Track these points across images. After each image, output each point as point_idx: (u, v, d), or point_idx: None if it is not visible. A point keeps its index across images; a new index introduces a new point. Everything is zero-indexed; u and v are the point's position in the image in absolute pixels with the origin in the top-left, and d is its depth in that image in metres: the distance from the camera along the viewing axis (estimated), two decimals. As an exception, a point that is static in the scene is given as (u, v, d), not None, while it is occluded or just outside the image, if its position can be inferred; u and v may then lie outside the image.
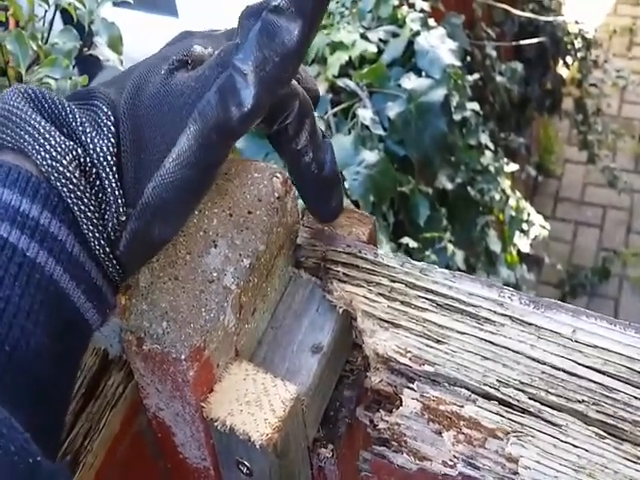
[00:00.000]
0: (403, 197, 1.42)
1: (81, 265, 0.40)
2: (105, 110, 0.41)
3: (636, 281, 3.91)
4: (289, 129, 0.48)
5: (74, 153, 0.39)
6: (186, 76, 0.41)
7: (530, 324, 0.50)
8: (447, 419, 0.49)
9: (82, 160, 0.40)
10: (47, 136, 0.39)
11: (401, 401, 0.51)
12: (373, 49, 1.55)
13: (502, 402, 0.48)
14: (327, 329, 0.55)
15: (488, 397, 0.48)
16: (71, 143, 0.40)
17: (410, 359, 0.51)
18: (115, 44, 0.89)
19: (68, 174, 0.39)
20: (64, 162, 0.39)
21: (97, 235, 0.41)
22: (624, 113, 4.94)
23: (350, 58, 1.56)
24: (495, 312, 0.51)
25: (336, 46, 1.56)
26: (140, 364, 0.49)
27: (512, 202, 1.85)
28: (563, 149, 4.58)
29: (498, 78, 2.72)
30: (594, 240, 4.18)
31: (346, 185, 1.26)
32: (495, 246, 1.90)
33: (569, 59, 3.88)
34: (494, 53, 2.61)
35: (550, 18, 3.39)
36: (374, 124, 1.39)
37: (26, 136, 0.39)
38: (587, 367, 0.48)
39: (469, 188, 1.81)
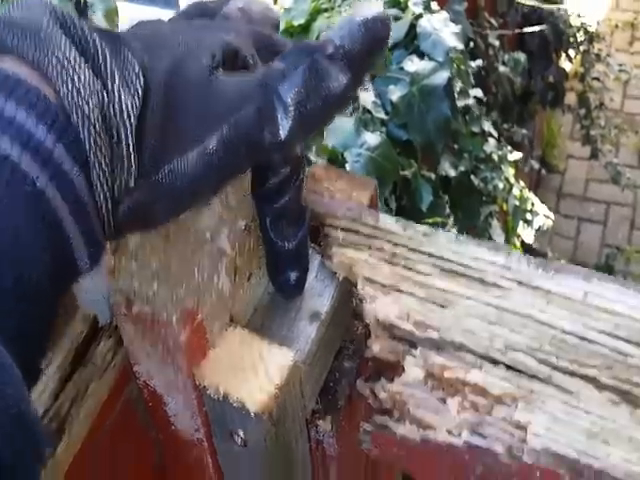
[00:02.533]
0: (405, 182, 1.39)
1: (85, 209, 0.38)
2: (137, 69, 0.39)
3: None
4: (272, 188, 0.48)
5: (100, 97, 0.37)
6: (230, 80, 0.41)
7: (539, 288, 0.48)
8: (452, 386, 0.46)
9: (105, 109, 0.38)
10: (77, 68, 0.37)
11: (403, 369, 0.48)
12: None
13: (510, 367, 0.45)
14: (326, 296, 0.53)
15: (495, 362, 0.46)
16: (100, 85, 0.37)
17: (413, 325, 0.48)
18: (110, 15, 0.87)
19: (92, 118, 0.37)
20: (90, 104, 0.37)
21: (105, 188, 0.39)
22: (627, 108, 4.92)
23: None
24: (502, 276, 0.49)
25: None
26: (130, 327, 0.47)
27: (516, 191, 1.83)
28: (566, 144, 4.56)
29: (501, 68, 2.70)
30: (597, 236, 4.15)
31: (347, 167, 1.23)
32: (498, 237, 1.88)
33: (572, 52, 3.86)
34: (497, 43, 2.58)
35: (553, 6, 3.37)
36: (376, 107, 1.36)
37: (53, 59, 0.36)
38: (599, 331, 0.46)
39: (472, 177, 1.78)
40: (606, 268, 3.78)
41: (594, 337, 0.46)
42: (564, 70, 4.07)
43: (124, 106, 0.38)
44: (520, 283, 0.48)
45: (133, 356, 0.49)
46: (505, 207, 1.87)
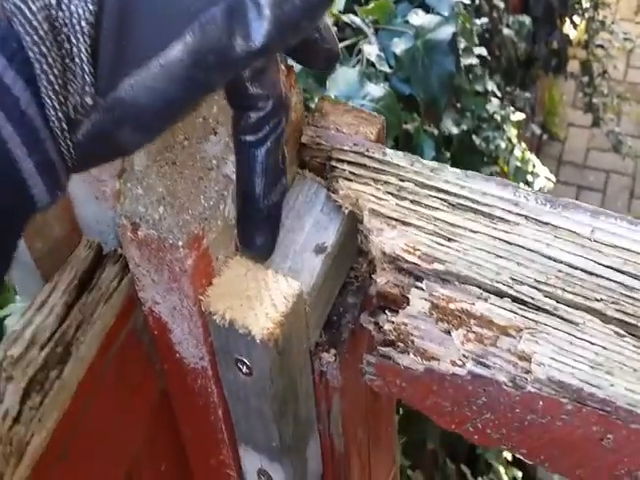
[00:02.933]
0: (408, 136, 1.38)
1: (35, 131, 0.34)
2: None
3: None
4: (251, 126, 0.44)
5: (46, 1, 0.33)
6: None
7: (546, 223, 0.48)
8: (457, 318, 0.46)
9: (53, 14, 0.33)
10: None
11: (408, 301, 0.48)
12: (380, -15, 1.51)
13: (515, 300, 0.45)
14: (332, 229, 0.53)
15: (501, 295, 0.46)
16: None
17: (419, 257, 0.48)
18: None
19: (35, 22, 0.33)
20: (32, 7, 0.32)
21: (56, 105, 0.34)
22: (630, 78, 4.88)
23: (356, -6, 1.52)
24: (510, 211, 0.49)
25: (342, -19, 1.52)
26: (135, 252, 0.47)
27: (517, 152, 1.82)
28: (567, 112, 4.53)
29: (505, 31, 2.67)
30: (596, 205, 4.14)
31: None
32: (498, 198, 1.87)
33: (576, 19, 3.82)
34: (502, 4, 2.55)
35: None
36: (380, 60, 1.35)
37: None
38: (606, 266, 0.46)
39: (474, 136, 1.77)
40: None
41: (601, 272, 0.45)
42: (568, 37, 4.03)
43: (74, 9, 0.34)
44: (527, 218, 0.48)
45: (139, 282, 0.49)
46: (506, 168, 1.86)
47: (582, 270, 0.46)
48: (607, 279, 0.45)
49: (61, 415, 0.47)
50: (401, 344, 0.48)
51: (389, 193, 0.51)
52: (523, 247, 0.47)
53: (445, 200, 0.50)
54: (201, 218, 0.46)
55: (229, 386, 0.51)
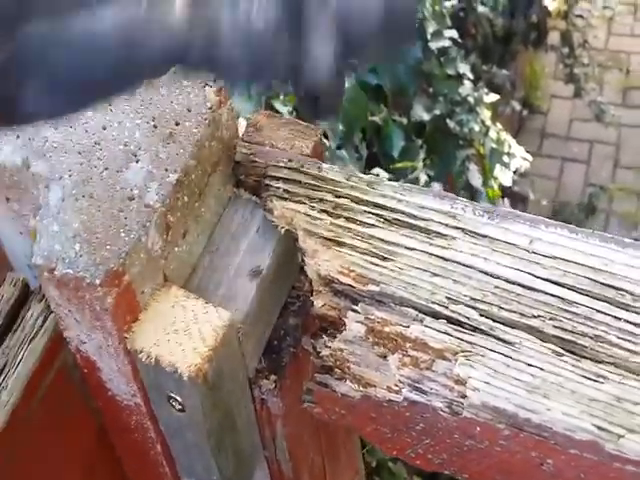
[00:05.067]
0: (376, 128, 1.36)
1: None
2: None
3: (623, 216, 3.88)
4: None
5: None
6: None
7: (484, 236, 0.46)
8: (392, 341, 0.44)
9: None
10: None
11: (345, 325, 0.46)
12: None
13: (451, 320, 0.44)
14: (267, 251, 0.51)
15: (436, 316, 0.44)
16: None
17: (354, 279, 0.46)
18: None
19: None
20: None
21: None
22: (611, 46, 4.84)
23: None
24: (447, 225, 0.47)
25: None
26: (55, 292, 0.45)
27: (492, 134, 1.80)
28: (549, 84, 4.50)
29: (480, 8, 2.64)
30: (580, 176, 4.13)
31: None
32: (476, 180, 1.85)
33: (554, -11, 3.78)
34: (475, -21, 2.52)
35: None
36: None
37: None
38: (545, 279, 0.44)
39: (448, 120, 1.75)
40: (589, 207, 3.77)
41: (539, 285, 0.44)
42: (547, 9, 4.00)
43: None
44: (465, 231, 0.46)
45: (62, 322, 0.47)
46: (482, 150, 1.84)
47: (519, 285, 0.44)
48: (545, 293, 0.43)
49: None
50: (338, 370, 0.46)
51: (324, 211, 0.49)
52: (460, 263, 0.45)
53: (381, 216, 0.48)
54: (121, 253, 0.44)
55: (165, 422, 0.49)
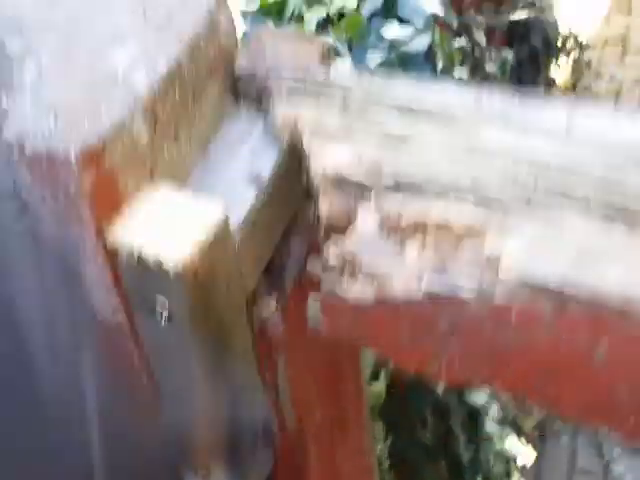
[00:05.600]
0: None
1: None
2: None
3: None
4: None
5: None
6: None
7: (514, 122, 0.41)
8: (410, 230, 0.38)
9: None
10: None
11: (355, 223, 0.40)
12: (352, 4, 1.47)
13: (479, 200, 0.38)
14: (269, 161, 0.46)
15: (462, 197, 0.38)
16: None
17: (366, 170, 0.41)
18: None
19: None
20: None
21: None
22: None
23: (328, 14, 1.48)
24: (469, 114, 0.42)
25: (312, 1, 1.48)
26: (27, 177, 0.39)
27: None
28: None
29: (488, 67, 2.65)
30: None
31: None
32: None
33: (562, 60, 3.83)
34: (484, 40, 2.53)
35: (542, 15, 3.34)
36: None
37: None
38: (584, 159, 0.38)
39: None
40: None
41: (579, 164, 0.38)
42: (554, 80, 4.04)
43: None
44: (491, 119, 0.41)
45: (35, 216, 0.41)
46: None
47: (557, 165, 0.38)
48: (586, 172, 0.38)
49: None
50: (348, 271, 0.40)
51: (332, 111, 0.44)
52: (487, 148, 0.40)
53: (396, 108, 0.43)
54: (101, 132, 0.39)
55: (150, 341, 0.43)
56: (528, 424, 1.70)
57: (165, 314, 0.41)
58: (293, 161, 0.46)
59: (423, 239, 0.38)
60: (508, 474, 1.55)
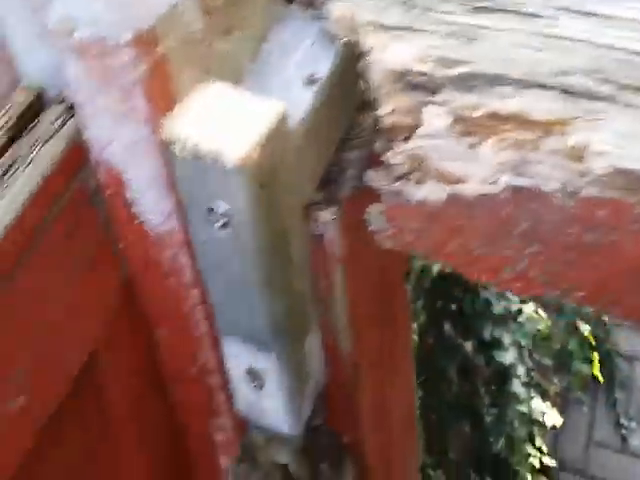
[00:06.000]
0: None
1: None
2: None
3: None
4: None
5: None
6: None
7: (595, 13, 0.38)
8: (485, 126, 0.36)
9: None
10: None
11: (421, 123, 0.38)
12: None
13: (561, 92, 0.35)
14: (324, 61, 0.43)
15: (542, 87, 0.35)
16: None
17: (435, 64, 0.38)
18: None
19: None
20: None
21: None
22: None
23: None
24: (547, 6, 0.39)
25: None
26: (75, 67, 0.37)
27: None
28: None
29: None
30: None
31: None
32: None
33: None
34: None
35: None
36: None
37: None
38: (675, 49, 0.35)
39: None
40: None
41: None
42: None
43: None
44: (569, 10, 0.38)
45: (84, 118, 0.39)
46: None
47: (645, 56, 0.36)
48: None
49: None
50: (416, 174, 0.38)
51: (392, 6, 0.41)
52: (567, 38, 0.37)
53: (465, 5, 0.40)
54: (152, 15, 0.36)
55: (204, 252, 0.41)
56: (552, 390, 1.68)
57: (222, 221, 0.38)
58: (350, 62, 0.43)
59: (500, 135, 0.35)
60: (531, 438, 1.53)
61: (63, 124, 0.40)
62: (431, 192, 0.37)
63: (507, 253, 0.36)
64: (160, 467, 0.53)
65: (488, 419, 1.47)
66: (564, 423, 1.91)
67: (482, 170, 0.35)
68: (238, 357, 0.44)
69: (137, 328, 0.47)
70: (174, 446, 0.53)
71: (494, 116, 0.36)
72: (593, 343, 1.81)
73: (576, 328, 1.81)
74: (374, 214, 0.40)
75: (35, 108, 0.42)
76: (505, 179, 0.35)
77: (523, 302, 1.40)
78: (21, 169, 0.38)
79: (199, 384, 0.47)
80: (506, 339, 1.38)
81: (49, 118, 0.41)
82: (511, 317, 1.39)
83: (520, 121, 0.35)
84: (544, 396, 1.53)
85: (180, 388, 0.49)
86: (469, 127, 0.36)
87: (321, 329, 0.46)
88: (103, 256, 0.44)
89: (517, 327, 1.39)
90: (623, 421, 2.17)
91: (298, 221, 0.42)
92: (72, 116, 0.41)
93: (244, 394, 0.47)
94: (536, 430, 1.57)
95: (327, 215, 0.42)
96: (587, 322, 1.80)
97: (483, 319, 1.37)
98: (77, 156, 0.41)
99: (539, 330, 1.45)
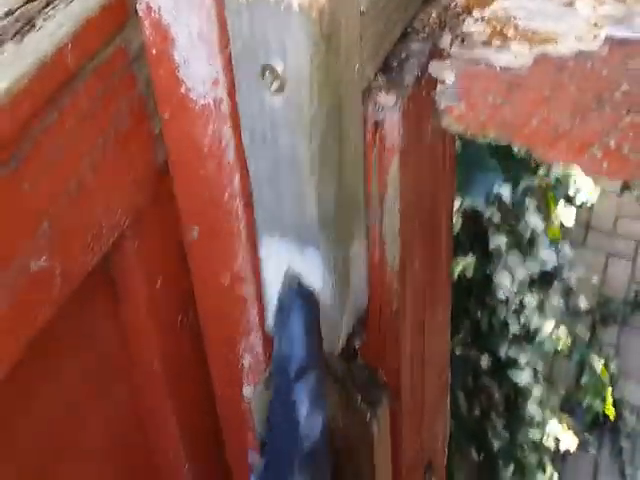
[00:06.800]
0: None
1: None
2: None
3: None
4: None
5: None
6: None
7: None
8: (582, -18, 0.32)
9: None
10: None
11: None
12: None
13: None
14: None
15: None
16: None
17: None
18: None
19: None
20: None
21: None
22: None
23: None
24: None
25: None
26: None
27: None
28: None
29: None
30: (626, 273, 3.99)
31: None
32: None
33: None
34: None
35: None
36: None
37: None
38: None
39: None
40: (635, 304, 3.62)
41: None
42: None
43: None
44: None
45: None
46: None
47: None
48: None
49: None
50: (499, 38, 0.34)
51: None
52: None
53: None
54: None
55: (252, 125, 0.37)
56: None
57: (276, 83, 0.34)
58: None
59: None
60: (542, 466, 1.47)
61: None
62: (517, 54, 0.33)
63: (597, 127, 0.32)
64: (179, 385, 0.48)
65: (497, 446, 1.41)
66: (567, 469, 1.85)
67: (577, 28, 0.32)
68: (277, 258, 0.40)
69: (168, 227, 0.43)
70: (197, 369, 0.48)
71: (592, -29, 0.32)
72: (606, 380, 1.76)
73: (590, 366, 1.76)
74: (444, 91, 0.36)
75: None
76: (604, 33, 0.31)
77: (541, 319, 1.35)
78: (62, 4, 0.35)
79: (231, 295, 0.43)
80: (522, 359, 1.33)
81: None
82: (528, 337, 1.34)
83: (624, -26, 0.31)
84: (561, 419, 1.47)
85: (209, 298, 0.45)
86: (562, -15, 0.33)
87: (368, 238, 0.42)
88: (138, 133, 0.40)
89: (534, 348, 1.35)
90: (627, 469, 2.10)
91: (356, 103, 0.38)
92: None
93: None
94: (547, 459, 1.51)
95: (389, 99, 0.38)
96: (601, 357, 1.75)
97: (499, 337, 1.32)
98: (121, 11, 0.37)
99: (557, 351, 1.41)
